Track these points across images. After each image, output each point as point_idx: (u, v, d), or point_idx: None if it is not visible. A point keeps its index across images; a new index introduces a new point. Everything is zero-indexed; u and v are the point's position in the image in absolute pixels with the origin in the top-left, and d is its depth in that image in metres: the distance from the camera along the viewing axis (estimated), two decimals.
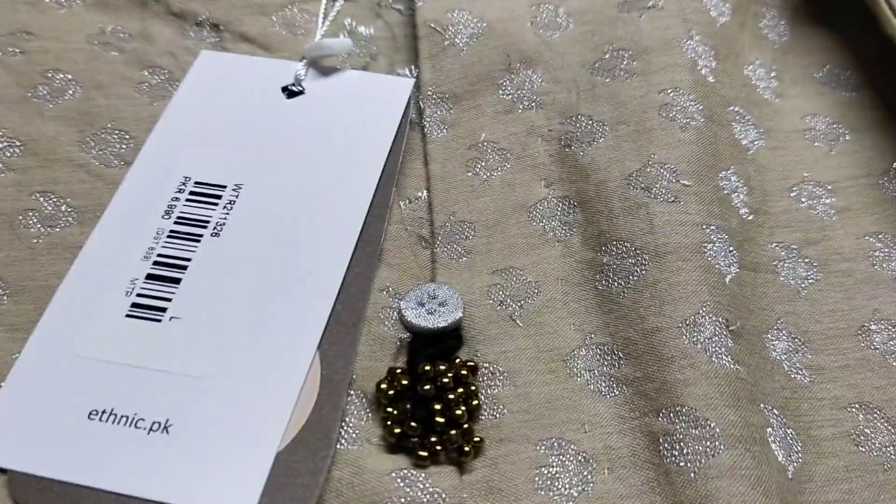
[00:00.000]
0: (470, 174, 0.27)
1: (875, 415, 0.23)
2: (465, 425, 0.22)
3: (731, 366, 0.21)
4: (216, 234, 0.25)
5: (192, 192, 0.26)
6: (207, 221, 0.25)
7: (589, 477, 0.21)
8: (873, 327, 0.24)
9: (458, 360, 0.23)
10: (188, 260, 0.25)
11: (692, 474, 0.20)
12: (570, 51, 0.29)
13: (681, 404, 0.21)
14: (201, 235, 0.25)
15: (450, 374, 0.22)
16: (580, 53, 0.29)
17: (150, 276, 0.24)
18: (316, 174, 0.27)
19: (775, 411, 0.22)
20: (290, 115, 0.28)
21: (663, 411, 0.21)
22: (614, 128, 0.26)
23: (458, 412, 0.22)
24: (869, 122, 0.29)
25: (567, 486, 0.21)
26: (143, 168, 0.27)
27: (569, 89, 0.28)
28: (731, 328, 0.22)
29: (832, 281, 0.25)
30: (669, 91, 0.27)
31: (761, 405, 0.22)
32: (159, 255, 0.25)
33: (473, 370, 0.23)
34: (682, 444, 0.20)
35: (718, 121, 0.27)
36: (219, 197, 0.26)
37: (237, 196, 0.26)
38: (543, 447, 0.21)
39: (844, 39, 0.31)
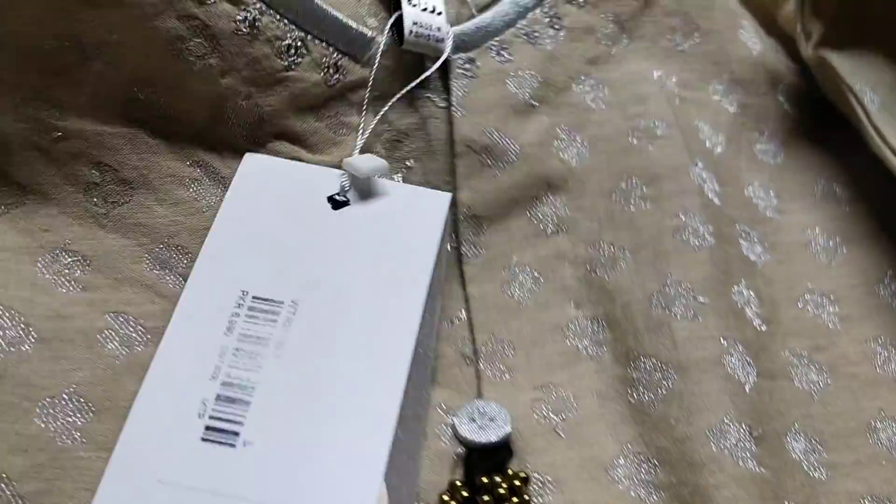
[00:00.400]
0: (506, 296, 0.30)
1: None
2: None
3: (756, 469, 0.24)
4: (278, 354, 0.26)
5: (250, 308, 0.26)
6: (269, 339, 0.26)
7: None
8: (879, 425, 0.27)
9: (510, 472, 0.26)
10: (254, 380, 0.25)
11: None
12: (591, 178, 0.31)
13: None
14: (264, 354, 0.26)
15: (505, 485, 0.25)
16: (598, 182, 0.31)
17: (220, 398, 0.25)
18: (366, 290, 0.27)
19: None
20: (336, 226, 0.28)
21: None
22: (634, 252, 0.29)
23: None
24: (863, 233, 0.32)
25: None
26: (200, 282, 0.27)
27: (590, 217, 0.31)
28: (753, 434, 0.25)
29: (841, 384, 0.28)
30: (681, 215, 0.30)
31: (785, 502, 0.24)
32: (226, 375, 0.25)
33: (525, 481, 0.26)
34: None
35: (727, 239, 0.30)
36: (277, 313, 0.26)
37: (294, 313, 0.26)
38: None
39: (837, 157, 0.34)
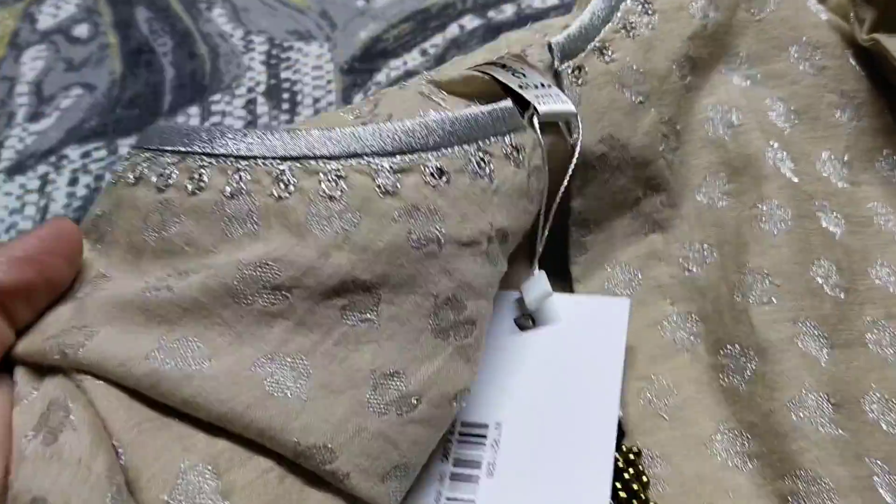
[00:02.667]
0: (609, 294, 0.34)
1: None
2: (643, 496, 0.29)
3: (835, 431, 0.28)
4: (490, 475, 0.28)
5: (461, 433, 0.28)
6: (480, 463, 0.28)
7: None
8: None
9: (624, 448, 0.31)
10: (473, 502, 0.27)
11: None
12: (681, 175, 0.33)
13: (799, 468, 0.27)
14: (479, 477, 0.28)
15: (622, 460, 0.30)
16: (686, 178, 0.33)
17: None
18: (562, 408, 0.29)
19: (878, 462, 0.28)
20: (525, 345, 0.30)
21: (787, 476, 0.28)
22: (719, 248, 0.32)
23: (635, 486, 0.29)
24: None
25: None
26: None
27: (681, 216, 0.34)
28: (831, 401, 0.29)
29: None
30: (759, 205, 0.32)
31: (866, 459, 0.28)
32: (448, 499, 0.27)
33: (638, 454, 0.30)
34: (805, 499, 0.27)
35: (806, 215, 0.32)
36: (484, 437, 0.28)
37: (500, 435, 0.28)
38: None
39: None
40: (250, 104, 0.46)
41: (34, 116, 0.47)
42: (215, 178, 0.25)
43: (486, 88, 0.30)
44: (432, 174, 0.25)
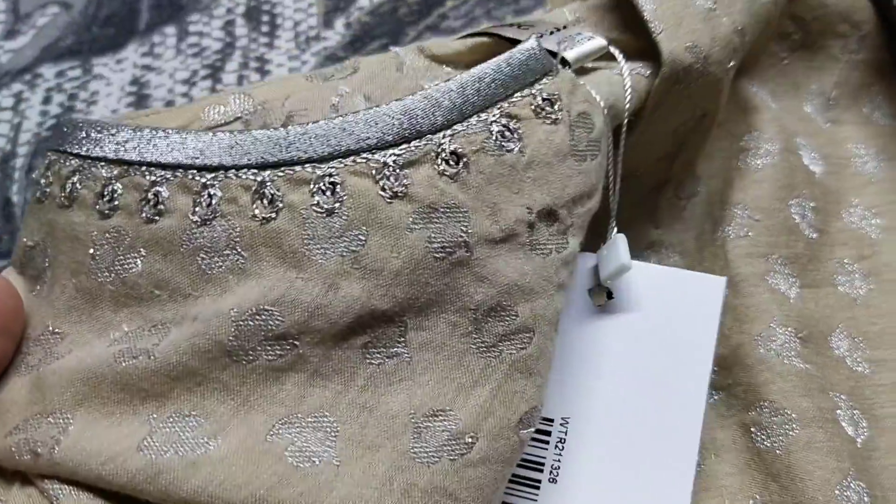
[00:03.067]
0: None
1: None
2: None
3: (801, 365, 0.28)
4: (553, 480, 0.24)
5: None
6: (542, 464, 0.24)
7: (700, 461, 0.28)
8: None
9: None
10: None
11: (778, 451, 0.27)
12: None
13: (763, 399, 0.28)
14: (539, 481, 0.24)
15: None
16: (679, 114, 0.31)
17: None
18: (641, 401, 0.25)
19: (843, 396, 0.28)
20: (599, 326, 0.26)
21: (752, 407, 0.28)
22: (707, 182, 0.32)
23: None
24: None
25: None
26: None
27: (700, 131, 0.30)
28: (799, 335, 0.29)
29: (884, 288, 0.31)
30: (745, 137, 0.32)
31: (830, 393, 0.28)
32: None
33: None
34: (768, 430, 0.27)
35: (790, 149, 0.32)
36: (548, 433, 0.25)
37: (566, 432, 0.24)
38: None
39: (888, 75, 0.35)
40: (229, 25, 0.45)
41: (10, 34, 0.46)
42: (177, 198, 0.20)
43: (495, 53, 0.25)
44: (447, 161, 0.21)
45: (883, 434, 0.28)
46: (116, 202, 0.20)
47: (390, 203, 0.20)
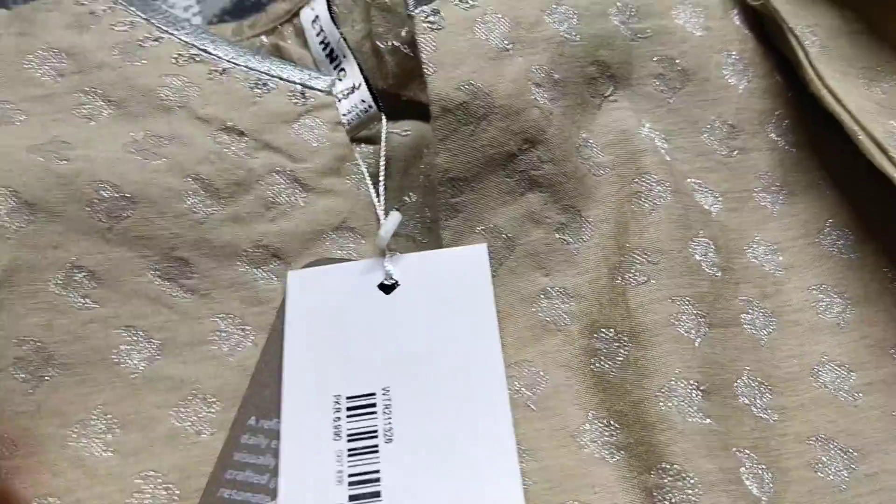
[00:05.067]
0: None
1: (829, 445, 0.28)
2: None
3: (702, 421, 0.27)
4: (389, 440, 0.27)
5: (348, 409, 0.28)
6: (375, 431, 0.27)
7: None
8: (822, 369, 0.29)
9: None
10: (377, 470, 0.27)
11: None
12: (563, 129, 0.31)
13: (665, 461, 0.26)
14: (377, 445, 0.27)
15: None
16: (566, 135, 0.31)
17: (352, 498, 0.26)
18: (445, 361, 0.29)
19: (747, 451, 0.27)
20: (395, 308, 0.30)
21: (653, 469, 0.26)
22: (598, 226, 0.31)
23: None
24: (806, 183, 0.33)
25: None
26: (293, 400, 0.28)
27: (562, 175, 0.31)
28: (701, 388, 0.27)
29: (786, 330, 0.30)
30: (637, 180, 0.31)
31: (734, 449, 0.27)
32: (350, 476, 0.27)
33: None
34: (670, 494, 0.26)
35: (684, 191, 0.31)
36: (374, 404, 0.28)
37: (390, 400, 0.28)
38: None
39: (786, 101, 0.34)
40: None
41: None
42: None
43: None
44: None
45: (788, 487, 0.27)
46: None
47: None
